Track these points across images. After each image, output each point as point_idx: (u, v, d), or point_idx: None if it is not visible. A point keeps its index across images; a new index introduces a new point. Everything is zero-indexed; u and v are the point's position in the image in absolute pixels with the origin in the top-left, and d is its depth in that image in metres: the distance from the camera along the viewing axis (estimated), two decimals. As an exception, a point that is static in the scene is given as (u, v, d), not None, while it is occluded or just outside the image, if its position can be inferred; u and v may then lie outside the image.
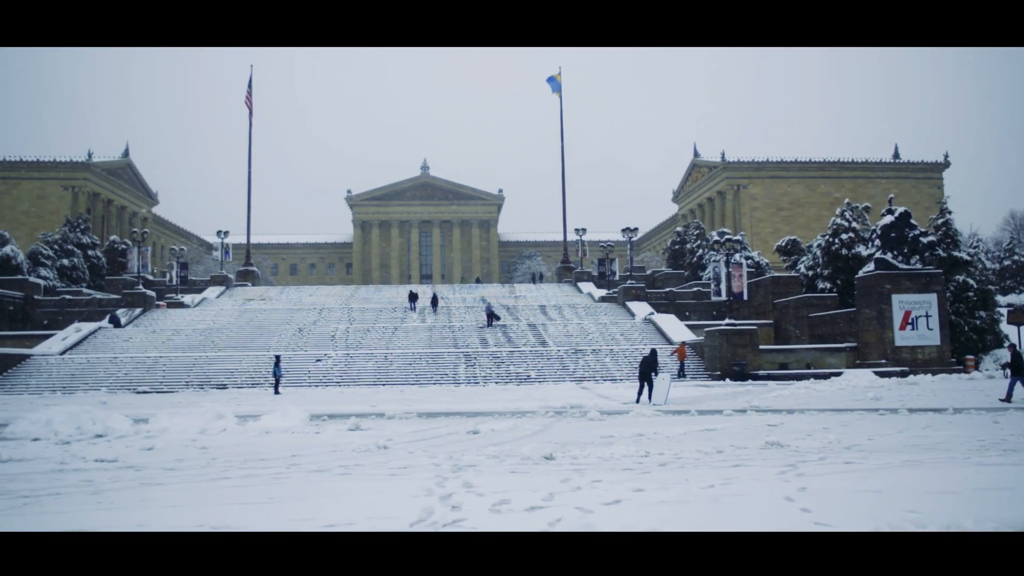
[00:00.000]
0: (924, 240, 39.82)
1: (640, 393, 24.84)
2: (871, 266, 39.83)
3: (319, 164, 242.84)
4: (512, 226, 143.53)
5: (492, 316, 49.40)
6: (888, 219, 38.75)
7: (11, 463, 12.37)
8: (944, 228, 40.80)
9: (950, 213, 41.81)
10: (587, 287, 67.40)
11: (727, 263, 39.26)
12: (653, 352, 27.09)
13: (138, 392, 35.94)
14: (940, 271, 38.71)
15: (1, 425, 19.43)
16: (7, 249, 55.86)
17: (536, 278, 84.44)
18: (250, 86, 78.77)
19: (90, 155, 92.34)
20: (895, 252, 41.52)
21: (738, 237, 40.94)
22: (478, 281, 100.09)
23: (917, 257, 39.21)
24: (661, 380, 25.44)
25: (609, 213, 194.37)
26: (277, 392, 33.37)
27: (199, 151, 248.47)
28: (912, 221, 38.79)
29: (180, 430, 16.83)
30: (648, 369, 25.41)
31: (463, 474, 10.09)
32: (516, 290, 68.87)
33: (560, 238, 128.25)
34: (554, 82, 75.96)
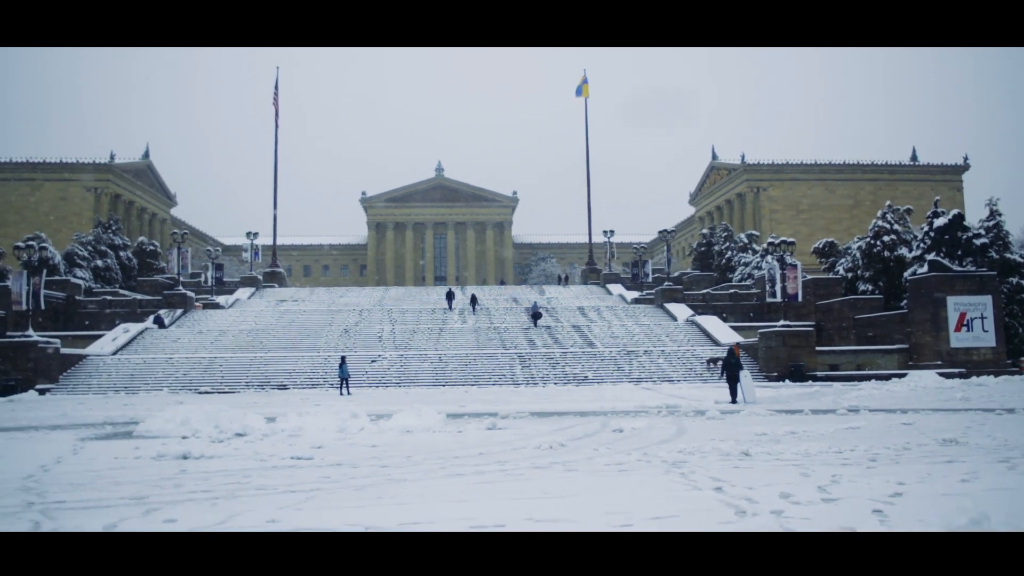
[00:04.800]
0: (977, 242, 40.10)
1: (734, 393, 25.03)
2: (924, 268, 40.07)
3: (331, 166, 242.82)
4: (524, 228, 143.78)
5: (537, 316, 49.58)
6: (942, 221, 38.99)
7: (203, 460, 12.48)
8: (995, 230, 41.18)
9: (1000, 215, 42.16)
10: (616, 289, 67.53)
11: (782, 265, 39.45)
12: (731, 351, 27.32)
13: (200, 392, 36.00)
14: (994, 273, 39.00)
15: (127, 423, 19.59)
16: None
17: (562, 280, 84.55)
18: (276, 87, 78.87)
19: (112, 157, 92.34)
20: (941, 253, 41.81)
21: (791, 239, 41.07)
22: (502, 282, 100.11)
23: (970, 259, 39.44)
24: (745, 377, 25.72)
25: (620, 214, 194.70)
26: (344, 392, 33.36)
27: (206, 152, 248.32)
28: (965, 223, 39.04)
29: (319, 428, 16.92)
30: (734, 368, 25.64)
31: (692, 469, 10.23)
32: (546, 292, 69.03)
33: (576, 240, 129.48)
34: (579, 87, 76.42)
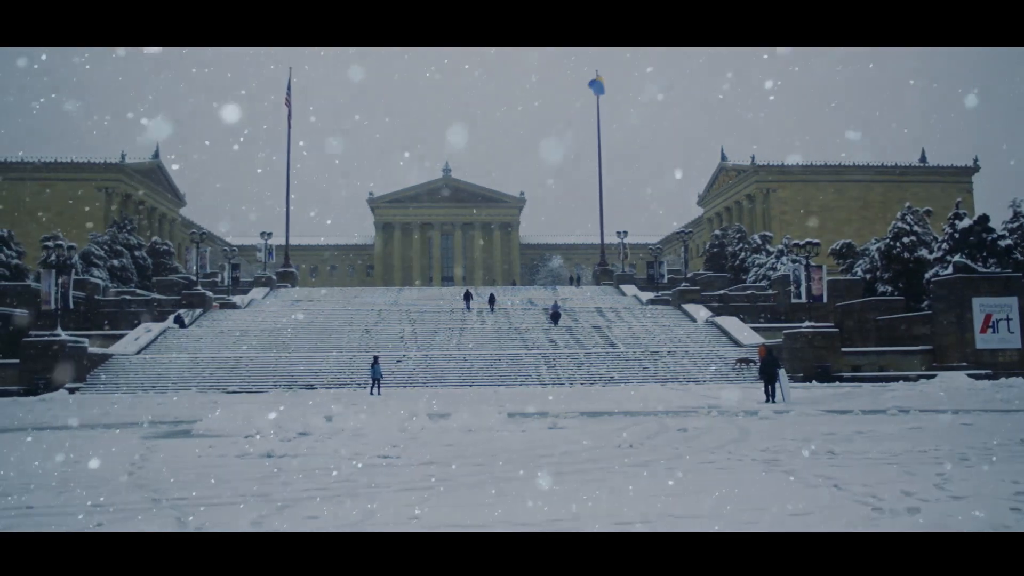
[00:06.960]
0: (1001, 244, 40.21)
1: (771, 393, 25.11)
2: (948, 269, 40.17)
3: (337, 166, 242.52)
4: (531, 229, 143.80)
5: (556, 317, 49.68)
6: (966, 222, 39.10)
7: (288, 458, 12.52)
8: (1020, 232, 41.29)
9: (1024, 217, 42.36)
10: (630, 290, 67.49)
11: (807, 266, 39.55)
12: (770, 351, 27.42)
13: (228, 392, 36.03)
14: (1020, 275, 39.09)
15: (177, 422, 19.63)
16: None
17: (574, 280, 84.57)
18: (289, 88, 78.90)
19: (123, 157, 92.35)
20: (964, 254, 41.88)
21: (816, 241, 41.15)
22: (513, 283, 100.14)
23: (994, 260, 39.52)
24: (783, 377, 25.79)
25: (626, 215, 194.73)
26: (375, 392, 33.26)
27: (212, 153, 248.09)
28: (990, 225, 39.14)
29: (380, 427, 16.97)
30: (772, 368, 25.71)
31: (792, 468, 10.29)
32: (560, 292, 69.05)
33: (584, 240, 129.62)
34: (596, 84, 76.26)
